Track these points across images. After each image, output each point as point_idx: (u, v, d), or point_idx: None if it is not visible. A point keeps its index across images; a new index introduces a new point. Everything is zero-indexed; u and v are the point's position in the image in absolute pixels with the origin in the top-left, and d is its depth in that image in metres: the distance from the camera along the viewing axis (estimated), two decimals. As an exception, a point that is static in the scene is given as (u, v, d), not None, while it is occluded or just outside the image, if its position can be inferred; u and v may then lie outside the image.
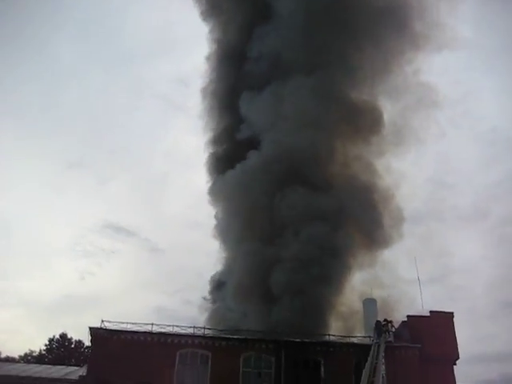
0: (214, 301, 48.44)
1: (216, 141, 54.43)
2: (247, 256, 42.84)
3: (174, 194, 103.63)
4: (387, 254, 46.48)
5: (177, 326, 35.95)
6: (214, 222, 51.64)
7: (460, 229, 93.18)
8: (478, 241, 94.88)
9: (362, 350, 33.24)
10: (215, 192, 50.79)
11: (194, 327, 36.41)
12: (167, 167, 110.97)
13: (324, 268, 40.91)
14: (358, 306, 43.89)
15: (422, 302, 39.19)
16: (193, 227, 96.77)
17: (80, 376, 33.78)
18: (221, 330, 37.03)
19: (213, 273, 50.07)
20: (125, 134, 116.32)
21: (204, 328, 36.88)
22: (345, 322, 43.97)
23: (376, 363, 29.91)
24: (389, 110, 51.69)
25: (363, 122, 49.87)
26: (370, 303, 41.86)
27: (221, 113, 54.95)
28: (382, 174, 48.97)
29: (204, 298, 49.60)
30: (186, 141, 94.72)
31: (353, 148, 50.47)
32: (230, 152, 51.23)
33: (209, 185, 53.00)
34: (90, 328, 34.62)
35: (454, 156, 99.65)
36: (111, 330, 34.80)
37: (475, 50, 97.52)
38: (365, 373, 29.32)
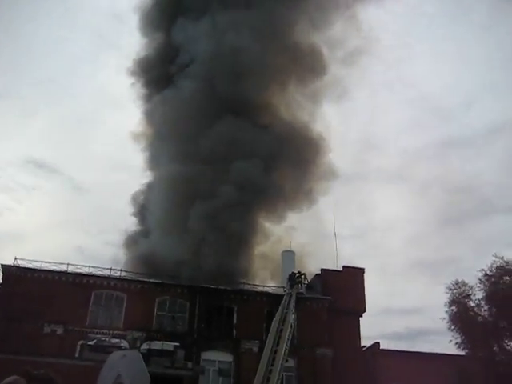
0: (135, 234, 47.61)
1: (148, 62, 53.31)
2: (172, 181, 42.75)
3: (101, 134, 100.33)
4: (312, 208, 47.75)
5: (93, 267, 35.90)
6: (140, 163, 51.16)
7: (382, 189, 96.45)
8: (399, 202, 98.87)
9: (275, 299, 34.29)
10: (150, 112, 50.52)
11: (111, 269, 36.38)
12: (96, 105, 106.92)
13: (250, 210, 41.63)
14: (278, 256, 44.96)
15: (337, 257, 40.75)
16: (119, 169, 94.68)
17: (-11, 314, 33.13)
18: (137, 273, 37.05)
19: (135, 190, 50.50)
20: (53, 66, 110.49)
21: (121, 270, 36.87)
22: (264, 271, 45.02)
23: (286, 313, 30.95)
24: (327, 59, 51.98)
25: (304, 64, 50.28)
26: (288, 255, 42.83)
27: (153, 34, 53.88)
28: (316, 122, 49.62)
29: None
30: (117, 80, 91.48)
31: (290, 88, 50.89)
32: (163, 75, 50.62)
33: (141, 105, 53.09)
34: (2, 265, 33.84)
35: (384, 118, 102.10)
36: (24, 268, 34.25)
37: (416, 15, 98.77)
38: (274, 321, 30.30)
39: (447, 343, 35.59)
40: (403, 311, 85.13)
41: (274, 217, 46.55)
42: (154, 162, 49.66)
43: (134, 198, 50.07)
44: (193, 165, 43.05)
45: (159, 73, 51.16)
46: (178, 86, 47.17)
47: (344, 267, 39.50)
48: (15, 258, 34.30)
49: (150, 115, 50.90)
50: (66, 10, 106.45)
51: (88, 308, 34.32)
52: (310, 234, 50.20)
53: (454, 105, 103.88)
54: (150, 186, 48.97)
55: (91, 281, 34.99)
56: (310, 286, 37.68)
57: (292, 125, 48.35)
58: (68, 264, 35.19)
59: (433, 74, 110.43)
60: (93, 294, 34.80)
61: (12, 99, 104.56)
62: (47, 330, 32.60)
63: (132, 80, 53.70)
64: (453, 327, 35.21)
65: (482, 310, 35.53)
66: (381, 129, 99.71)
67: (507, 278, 34.23)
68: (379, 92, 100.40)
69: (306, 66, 50.44)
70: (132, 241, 45.94)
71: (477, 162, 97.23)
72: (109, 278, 35.43)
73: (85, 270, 35.48)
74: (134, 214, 49.40)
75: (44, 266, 34.72)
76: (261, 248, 45.61)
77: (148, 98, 52.16)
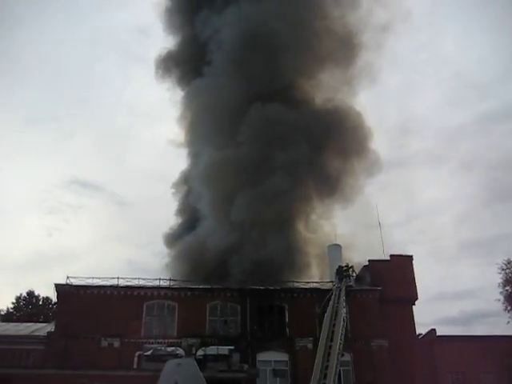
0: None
1: (177, 57, 54.14)
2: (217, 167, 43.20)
3: (138, 147, 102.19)
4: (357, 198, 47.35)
5: (142, 279, 36.40)
6: (179, 169, 52.05)
7: (424, 173, 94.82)
8: (442, 184, 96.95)
9: (325, 294, 34.10)
10: (187, 102, 51.36)
11: (160, 279, 36.88)
12: (130, 120, 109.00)
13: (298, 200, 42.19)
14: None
15: (384, 247, 40.21)
16: (159, 179, 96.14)
17: (48, 332, 34.15)
18: (186, 281, 37.44)
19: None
20: (84, 87, 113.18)
21: (170, 280, 37.33)
22: (313, 266, 44.81)
23: (337, 307, 30.81)
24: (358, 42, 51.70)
25: (335, 47, 50.29)
26: (334, 249, 42.46)
27: (179, 32, 54.99)
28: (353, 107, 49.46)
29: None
30: (147, 93, 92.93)
31: (325, 71, 51.04)
32: (192, 69, 51.34)
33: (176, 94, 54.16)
34: (56, 284, 34.83)
35: (418, 100, 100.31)
36: (77, 286, 35.08)
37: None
38: (326, 316, 30.23)
39: (505, 324, 34.72)
40: (457, 295, 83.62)
41: (322, 208, 46.48)
42: (194, 151, 50.13)
43: (176, 187, 51.06)
44: (236, 150, 43.45)
45: (190, 67, 51.78)
46: (211, 74, 47.50)
47: (392, 256, 38.91)
48: (67, 277, 35.20)
49: (186, 106, 51.53)
50: (94, 29, 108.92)
51: (142, 319, 34.90)
52: (354, 225, 49.72)
53: (488, 79, 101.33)
54: (190, 176, 49.37)
55: (142, 292, 35.55)
56: (358, 278, 37.36)
57: (330, 109, 48.20)
58: (118, 278, 35.87)
59: (464, 51, 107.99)
60: (145, 305, 35.37)
61: (49, 122, 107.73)
62: (104, 343, 33.34)
63: (163, 80, 54.76)
64: (509, 308, 34.31)
65: (539, 287, 34.53)
66: (416, 111, 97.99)
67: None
68: (411, 73, 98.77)
69: (337, 49, 50.28)
70: (176, 236, 46.66)
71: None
72: (159, 288, 35.93)
73: (135, 283, 36.09)
74: (177, 210, 50.38)
75: (95, 282, 35.49)
76: (308, 241, 45.44)
77: (183, 91, 53.08)
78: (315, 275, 42.61)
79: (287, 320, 35.92)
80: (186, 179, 50.22)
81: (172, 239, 46.66)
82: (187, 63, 52.35)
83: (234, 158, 42.62)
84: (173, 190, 51.62)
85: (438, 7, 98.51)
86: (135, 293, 35.52)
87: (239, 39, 46.53)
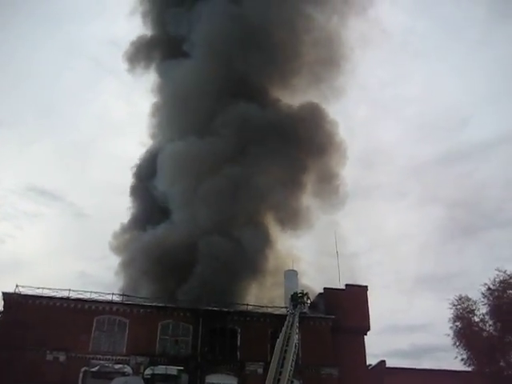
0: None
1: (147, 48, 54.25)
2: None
3: (101, 159, 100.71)
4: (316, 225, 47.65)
5: (95, 293, 35.57)
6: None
7: (384, 206, 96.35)
8: (401, 218, 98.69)
9: (279, 319, 34.07)
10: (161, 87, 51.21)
11: (113, 294, 36.23)
12: (96, 131, 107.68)
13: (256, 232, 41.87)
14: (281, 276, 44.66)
15: (340, 276, 40.54)
16: (120, 193, 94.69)
17: (-10, 342, 32.87)
18: (140, 298, 36.82)
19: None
20: (52, 95, 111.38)
21: (123, 295, 36.71)
22: (268, 291, 44.72)
23: (290, 333, 30.74)
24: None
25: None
26: (291, 274, 42.61)
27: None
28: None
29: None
30: (116, 106, 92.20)
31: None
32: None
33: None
34: (3, 293, 33.65)
35: (382, 135, 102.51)
36: (26, 296, 34.00)
37: (409, 36, 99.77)
38: (278, 342, 30.09)
39: (453, 359, 35.18)
40: (409, 328, 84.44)
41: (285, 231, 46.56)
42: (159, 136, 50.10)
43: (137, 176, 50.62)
44: (199, 140, 43.41)
45: (163, 56, 52.04)
46: (183, 64, 47.45)
47: (347, 285, 39.30)
48: (16, 286, 34.11)
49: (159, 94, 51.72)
50: (66, 38, 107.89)
51: (90, 334, 33.96)
52: (314, 252, 50.00)
53: (452, 121, 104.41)
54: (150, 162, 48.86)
55: (93, 306, 34.71)
56: (313, 306, 37.48)
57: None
58: (70, 290, 34.99)
59: (429, 91, 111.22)
60: (95, 319, 34.47)
61: (13, 127, 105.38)
62: (49, 357, 32.27)
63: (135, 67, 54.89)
64: (458, 343, 34.77)
65: (487, 324, 35.08)
66: (380, 145, 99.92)
67: (511, 291, 33.93)
68: (377, 109, 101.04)
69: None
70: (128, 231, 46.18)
71: (476, 176, 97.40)
72: (111, 302, 35.18)
73: (86, 296, 35.25)
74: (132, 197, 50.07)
75: (45, 293, 34.50)
76: (264, 266, 45.33)
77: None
78: (270, 300, 42.47)
79: (239, 343, 35.61)
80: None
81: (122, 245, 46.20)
82: (161, 53, 52.48)
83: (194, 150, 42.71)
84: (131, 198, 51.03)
85: (405, 46, 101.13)
86: (86, 306, 34.66)
87: (217, 34, 46.72)
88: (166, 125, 49.29)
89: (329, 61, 51.66)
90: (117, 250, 46.78)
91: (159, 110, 51.81)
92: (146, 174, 48.02)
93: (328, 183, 48.75)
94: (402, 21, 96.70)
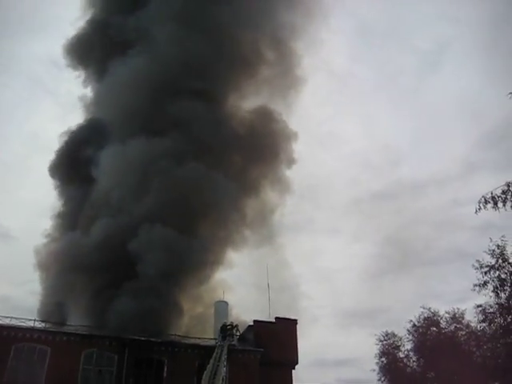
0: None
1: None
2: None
3: (31, 180, 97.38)
4: (243, 258, 47.61)
5: (15, 318, 33.74)
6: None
7: (315, 241, 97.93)
8: (332, 254, 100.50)
9: (207, 351, 33.61)
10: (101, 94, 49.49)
11: (35, 320, 34.55)
12: (27, 151, 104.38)
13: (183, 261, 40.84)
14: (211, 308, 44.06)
15: (270, 309, 40.53)
16: (48, 215, 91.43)
17: None
18: (63, 325, 35.34)
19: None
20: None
21: (45, 321, 35.17)
22: (198, 321, 43.91)
23: (218, 365, 30.37)
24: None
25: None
26: (221, 305, 42.25)
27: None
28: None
29: None
30: (51, 126, 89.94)
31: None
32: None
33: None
34: None
35: (317, 172, 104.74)
36: None
37: (345, 79, 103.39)
38: (205, 374, 29.68)
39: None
40: (336, 362, 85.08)
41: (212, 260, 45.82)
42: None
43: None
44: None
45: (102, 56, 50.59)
46: (121, 62, 46.51)
47: (277, 318, 39.27)
48: None
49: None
50: (3, 56, 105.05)
51: (7, 363, 31.92)
52: (244, 284, 49.86)
53: (383, 160, 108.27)
54: None
55: (12, 333, 32.75)
56: (242, 338, 37.21)
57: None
58: (-12, 315, 33.17)
59: (363, 132, 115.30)
60: (13, 347, 32.48)
61: None
62: (-40, 387, 30.25)
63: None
64: (383, 378, 35.45)
65: (411, 360, 36.03)
66: (314, 181, 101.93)
67: (434, 328, 34.99)
68: (314, 145, 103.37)
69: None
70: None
71: (405, 215, 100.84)
72: (32, 329, 33.33)
73: (6, 322, 33.45)
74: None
75: (-40, 318, 32.59)
76: (193, 296, 44.63)
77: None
78: (200, 331, 41.79)
79: (165, 375, 34.63)
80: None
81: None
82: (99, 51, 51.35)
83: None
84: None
85: (341, 87, 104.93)
86: (4, 333, 32.60)
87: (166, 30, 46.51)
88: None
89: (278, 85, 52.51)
90: (41, 267, 44.66)
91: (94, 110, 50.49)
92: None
93: (264, 215, 49.02)
94: (342, 63, 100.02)
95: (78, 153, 46.20)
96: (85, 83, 53.72)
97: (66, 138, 49.25)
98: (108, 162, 42.56)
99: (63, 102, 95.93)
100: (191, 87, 45.19)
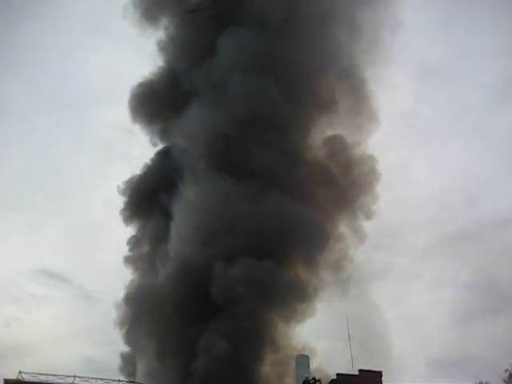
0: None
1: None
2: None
3: (109, 243, 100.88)
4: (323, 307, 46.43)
5: (101, 379, 34.44)
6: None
7: (394, 288, 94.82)
8: (413, 299, 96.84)
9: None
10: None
11: (119, 381, 35.06)
12: (105, 215, 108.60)
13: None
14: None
15: (353, 361, 39.27)
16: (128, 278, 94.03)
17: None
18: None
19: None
20: (64, 178, 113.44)
21: (130, 382, 35.49)
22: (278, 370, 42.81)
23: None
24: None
25: None
26: (302, 359, 41.37)
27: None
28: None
29: None
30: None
31: None
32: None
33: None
34: (5, 380, 32.65)
35: (389, 218, 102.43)
36: (29, 383, 32.94)
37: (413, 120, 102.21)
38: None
39: None
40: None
41: (288, 316, 44.89)
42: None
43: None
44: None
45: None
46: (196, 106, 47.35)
47: (360, 371, 37.82)
48: (20, 372, 33.18)
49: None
50: (78, 124, 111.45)
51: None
52: (324, 335, 48.57)
53: (461, 200, 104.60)
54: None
55: (97, 394, 33.54)
56: (326, 393, 36.04)
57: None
58: (75, 376, 34.00)
59: (436, 171, 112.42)
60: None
61: (25, 211, 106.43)
62: None
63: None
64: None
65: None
66: (389, 225, 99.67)
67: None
68: (385, 191, 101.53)
69: None
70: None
71: (488, 255, 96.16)
72: (116, 389, 34.01)
73: (92, 383, 34.13)
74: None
75: (50, 380, 33.59)
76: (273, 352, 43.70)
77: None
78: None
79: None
80: None
81: None
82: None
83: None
84: None
85: (408, 129, 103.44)
86: (90, 394, 33.51)
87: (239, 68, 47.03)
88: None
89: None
90: (121, 323, 45.27)
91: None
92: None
93: (341, 266, 48.04)
94: (409, 103, 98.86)
95: (153, 195, 47.77)
96: (161, 136, 55.16)
97: (138, 183, 51.06)
98: (193, 201, 43.55)
99: (136, 164, 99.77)
100: (269, 138, 45.78)
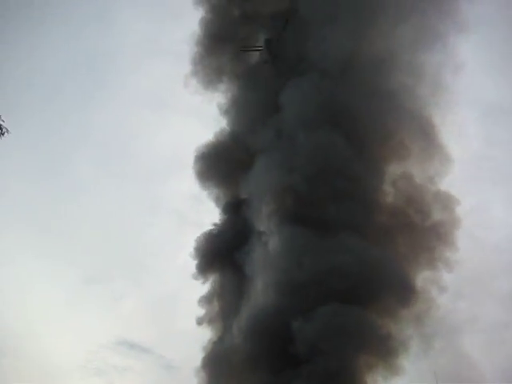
0: None
1: None
2: None
3: (185, 310, 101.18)
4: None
5: None
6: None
7: (479, 341, 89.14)
8: (503, 352, 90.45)
9: None
10: None
11: None
12: (180, 282, 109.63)
13: None
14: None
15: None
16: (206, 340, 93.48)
17: None
18: None
19: None
20: (139, 250, 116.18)
21: None
22: None
23: None
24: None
25: None
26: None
27: None
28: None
29: None
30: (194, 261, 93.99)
31: None
32: None
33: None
34: None
35: (469, 265, 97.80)
36: None
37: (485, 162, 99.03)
38: None
39: None
40: None
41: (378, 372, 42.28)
42: None
43: None
44: None
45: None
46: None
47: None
48: None
49: None
50: (149, 196, 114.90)
51: None
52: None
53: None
54: None
55: None
56: None
57: None
58: None
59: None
60: None
61: (103, 283, 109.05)
62: None
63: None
64: None
65: None
66: (469, 273, 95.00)
67: None
68: (463, 238, 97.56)
69: None
70: None
71: None
72: None
73: None
74: None
75: None
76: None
77: None
78: None
79: None
80: None
81: None
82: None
83: None
84: None
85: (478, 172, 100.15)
86: None
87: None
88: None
89: None
90: None
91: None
92: None
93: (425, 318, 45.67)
94: (474, 147, 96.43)
95: (224, 253, 47.61)
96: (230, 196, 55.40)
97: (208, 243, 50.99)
98: (270, 257, 42.89)
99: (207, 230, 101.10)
100: (340, 189, 45.11)
